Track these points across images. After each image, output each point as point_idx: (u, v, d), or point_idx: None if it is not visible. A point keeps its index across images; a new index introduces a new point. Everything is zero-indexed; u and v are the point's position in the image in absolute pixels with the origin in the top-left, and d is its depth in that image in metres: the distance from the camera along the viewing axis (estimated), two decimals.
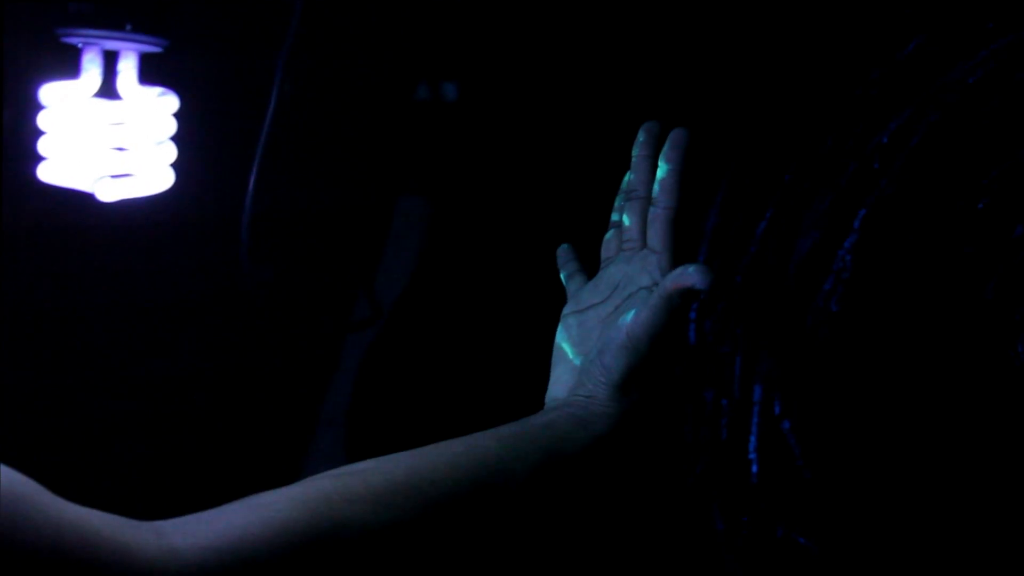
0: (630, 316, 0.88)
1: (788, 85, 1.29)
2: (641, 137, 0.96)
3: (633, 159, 0.97)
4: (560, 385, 0.94)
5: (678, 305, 0.88)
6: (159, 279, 1.17)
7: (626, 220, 0.96)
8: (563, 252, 1.03)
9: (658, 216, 0.93)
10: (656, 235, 0.94)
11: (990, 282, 1.16)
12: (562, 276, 1.03)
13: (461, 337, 1.51)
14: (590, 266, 1.00)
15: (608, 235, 0.99)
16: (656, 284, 0.92)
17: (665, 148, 0.93)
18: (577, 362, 0.94)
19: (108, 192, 0.87)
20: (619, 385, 0.88)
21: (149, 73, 0.88)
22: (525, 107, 1.47)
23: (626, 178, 0.99)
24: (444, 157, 1.51)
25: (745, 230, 1.31)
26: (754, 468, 1.27)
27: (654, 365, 0.90)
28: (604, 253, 0.99)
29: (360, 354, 1.56)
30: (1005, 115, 1.16)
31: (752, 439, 1.27)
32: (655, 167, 0.95)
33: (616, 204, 1.00)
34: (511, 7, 1.46)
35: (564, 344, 0.96)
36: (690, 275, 0.86)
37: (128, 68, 0.86)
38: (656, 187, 0.93)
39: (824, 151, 1.27)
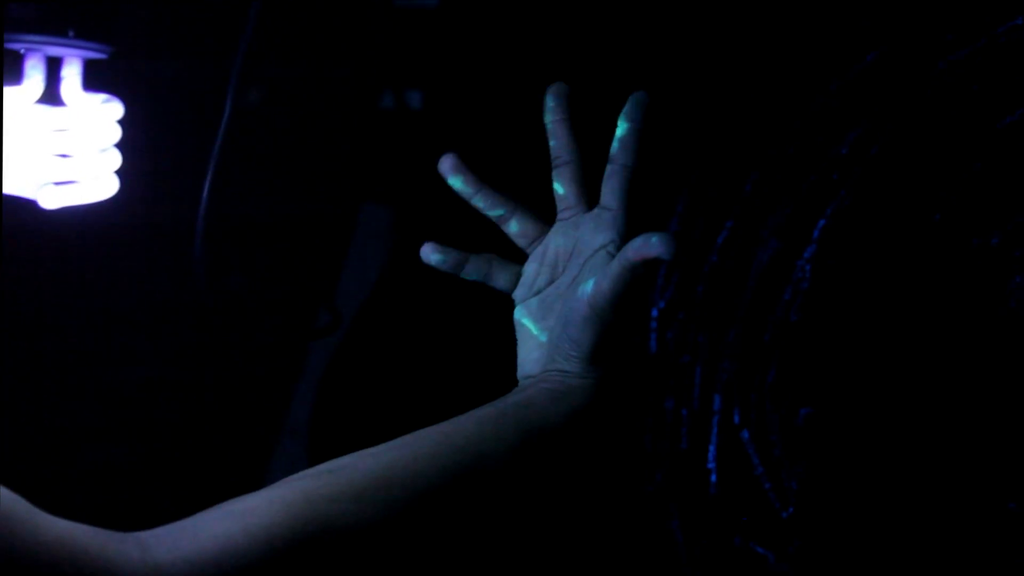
0: (590, 286, 0.85)
1: (748, 96, 1.29)
2: (550, 103, 0.92)
3: (548, 126, 0.93)
4: (530, 362, 0.91)
5: (641, 273, 0.84)
6: (109, 287, 1.17)
7: (559, 188, 0.92)
8: (440, 258, 0.96)
9: (615, 172, 0.90)
10: (612, 192, 0.90)
11: (948, 293, 1.16)
12: (476, 278, 0.97)
13: (425, 346, 1.51)
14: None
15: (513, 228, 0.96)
16: (613, 242, 0.89)
17: (626, 107, 0.89)
18: (543, 338, 0.91)
19: (51, 199, 0.87)
20: (590, 356, 0.86)
21: (96, 79, 0.88)
22: (490, 115, 1.47)
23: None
24: (409, 165, 1.51)
25: (705, 240, 1.31)
26: (713, 478, 1.27)
27: (622, 331, 0.87)
28: (522, 239, 0.96)
29: (323, 364, 1.56)
30: (962, 126, 1.17)
31: (712, 448, 1.27)
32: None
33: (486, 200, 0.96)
34: (477, 14, 1.46)
35: (525, 320, 0.93)
36: (654, 245, 0.82)
37: (72, 74, 0.86)
38: (615, 145, 0.89)
39: (784, 162, 1.27)
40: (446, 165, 0.93)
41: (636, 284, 0.85)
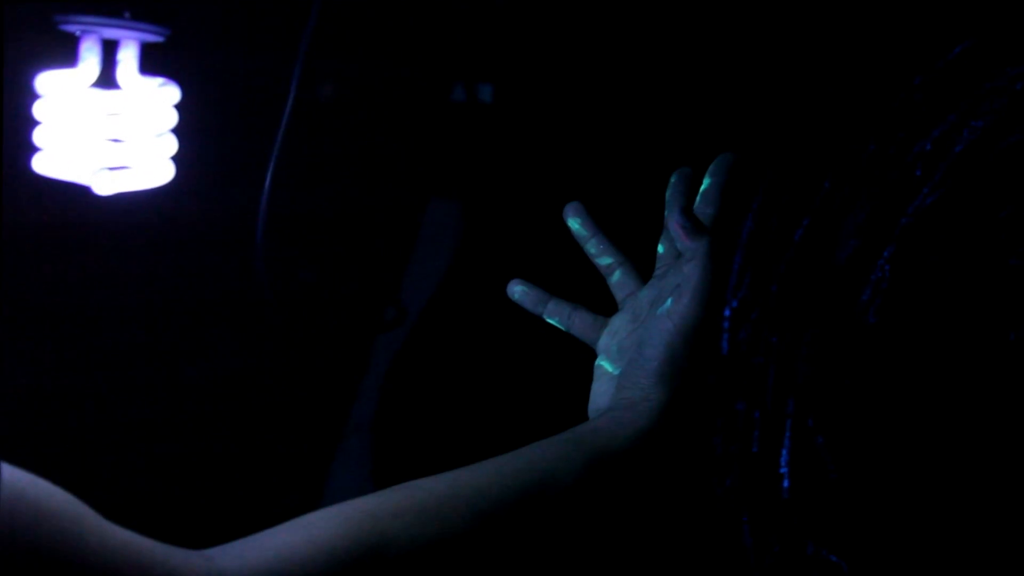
0: (669, 302, 0.90)
1: (829, 90, 1.27)
2: (673, 179, 1.01)
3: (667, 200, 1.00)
4: (600, 395, 0.96)
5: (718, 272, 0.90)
6: (167, 277, 1.17)
7: (660, 248, 0.98)
8: (523, 289, 1.03)
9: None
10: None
11: None
12: (557, 322, 1.04)
13: (491, 343, 1.50)
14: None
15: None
16: (691, 265, 0.94)
17: (712, 166, 0.97)
18: (616, 371, 0.94)
19: (105, 185, 0.86)
20: (656, 374, 0.88)
21: (157, 63, 0.87)
22: (561, 111, 1.46)
23: None
24: (478, 160, 1.50)
25: (782, 237, 1.28)
26: (785, 483, 1.24)
27: (694, 349, 0.90)
28: (621, 291, 1.03)
29: (389, 360, 1.55)
30: None
31: (784, 453, 1.25)
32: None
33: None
34: (549, 7, 1.45)
35: (604, 363, 0.96)
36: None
37: (128, 57, 0.85)
38: (698, 199, 0.96)
39: (865, 158, 1.24)
40: (570, 209, 1.00)
41: (713, 293, 0.88)
